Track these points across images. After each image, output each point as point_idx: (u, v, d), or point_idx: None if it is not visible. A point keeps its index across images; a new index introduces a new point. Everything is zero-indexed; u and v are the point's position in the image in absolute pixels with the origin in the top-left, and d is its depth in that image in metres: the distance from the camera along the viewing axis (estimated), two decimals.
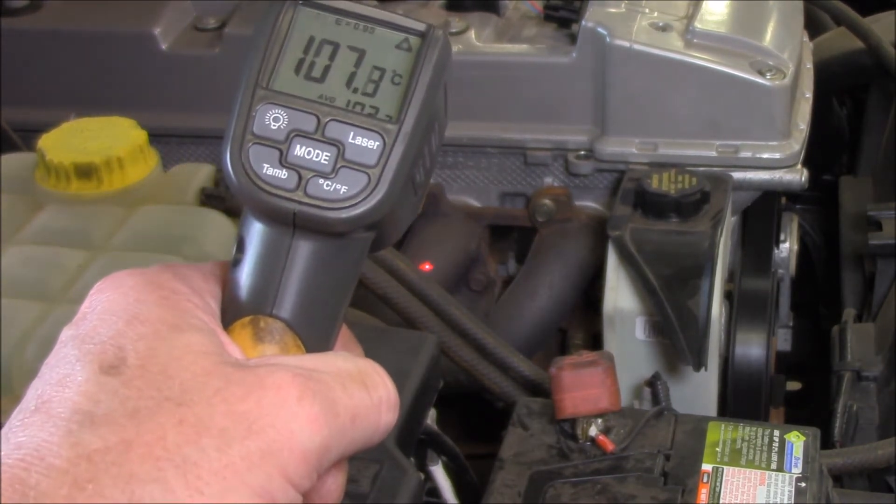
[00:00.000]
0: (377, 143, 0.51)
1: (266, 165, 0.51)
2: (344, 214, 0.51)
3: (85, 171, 1.22)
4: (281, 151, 0.51)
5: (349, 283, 0.55)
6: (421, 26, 0.53)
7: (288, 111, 0.52)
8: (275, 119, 0.52)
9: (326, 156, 0.51)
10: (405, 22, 0.54)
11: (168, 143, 1.49)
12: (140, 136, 1.25)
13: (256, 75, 0.52)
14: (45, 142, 1.24)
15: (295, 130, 0.51)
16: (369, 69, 0.53)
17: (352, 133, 0.52)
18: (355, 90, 0.52)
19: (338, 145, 0.51)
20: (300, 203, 0.51)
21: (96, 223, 1.18)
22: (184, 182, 1.26)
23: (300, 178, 0.51)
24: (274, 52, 0.52)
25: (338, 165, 0.51)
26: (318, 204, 0.51)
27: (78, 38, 1.52)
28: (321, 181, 0.51)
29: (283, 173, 0.51)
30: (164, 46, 1.51)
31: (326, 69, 0.53)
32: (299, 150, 0.51)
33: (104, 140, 1.24)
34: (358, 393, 0.51)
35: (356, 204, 0.51)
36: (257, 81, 0.52)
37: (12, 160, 1.31)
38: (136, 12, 1.53)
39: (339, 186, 0.51)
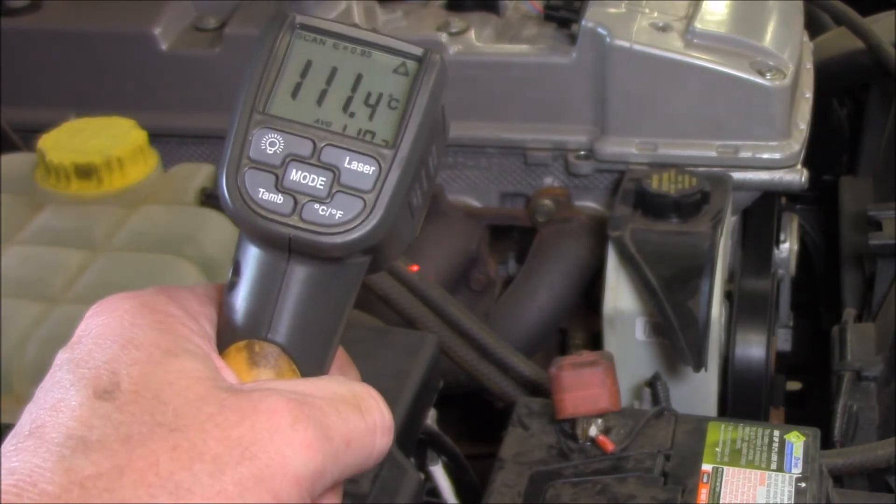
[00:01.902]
0: (373, 168, 0.51)
1: (262, 190, 0.51)
2: (339, 240, 0.51)
3: (85, 171, 1.22)
4: (277, 176, 0.51)
5: (345, 307, 0.55)
6: (418, 51, 0.53)
7: (284, 136, 0.51)
8: (271, 143, 0.51)
9: (322, 181, 0.51)
10: (402, 46, 0.53)
11: (168, 143, 1.49)
12: (140, 136, 1.25)
13: (253, 99, 0.52)
14: (45, 142, 1.24)
15: (291, 155, 0.51)
16: (366, 94, 0.53)
17: (347, 158, 0.51)
18: (352, 115, 0.52)
19: (333, 170, 0.51)
20: (295, 228, 0.51)
21: (96, 223, 1.18)
22: (184, 182, 1.26)
23: (296, 202, 0.51)
24: (271, 75, 0.52)
25: (333, 190, 0.51)
26: (313, 229, 0.51)
27: (78, 38, 1.52)
28: (316, 206, 0.51)
29: (278, 198, 0.51)
30: (164, 46, 1.51)
31: (323, 93, 0.52)
32: (295, 175, 0.51)
33: (104, 140, 1.24)
34: (352, 417, 0.51)
35: (351, 229, 0.51)
36: (254, 105, 0.52)
37: (12, 160, 1.31)
38: (136, 12, 1.53)
39: (334, 211, 0.51)
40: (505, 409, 1.18)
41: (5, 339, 1.02)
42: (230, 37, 1.48)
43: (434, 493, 1.09)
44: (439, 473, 1.09)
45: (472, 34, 1.47)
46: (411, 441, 1.01)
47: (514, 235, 1.52)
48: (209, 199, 1.24)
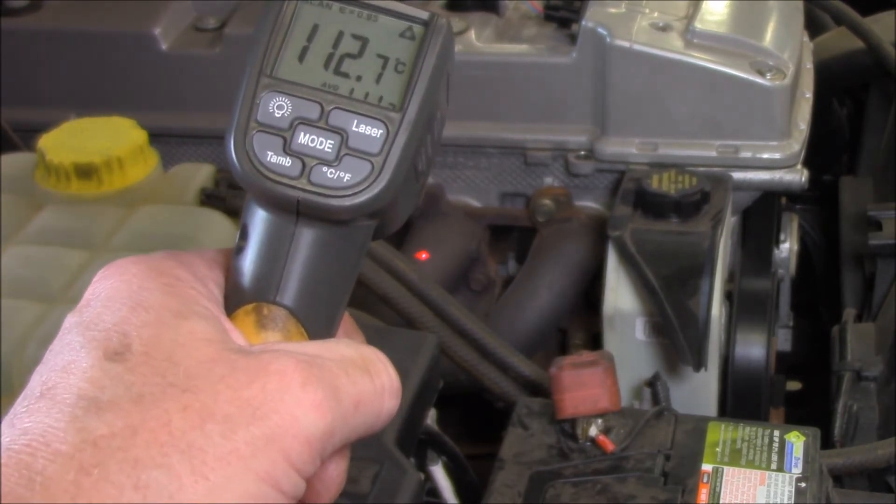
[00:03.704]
0: (380, 131, 0.52)
1: (270, 153, 0.51)
2: (347, 202, 0.51)
3: (85, 171, 1.22)
4: (285, 139, 0.51)
5: (352, 270, 0.55)
6: (424, 15, 0.53)
7: (292, 99, 0.52)
8: (279, 107, 0.52)
9: (330, 144, 0.51)
10: (409, 10, 0.54)
11: (168, 143, 1.49)
12: (140, 136, 1.25)
13: (260, 63, 0.52)
14: (45, 142, 1.24)
15: (299, 118, 0.52)
16: (372, 57, 0.53)
17: (355, 121, 0.52)
18: (358, 78, 0.52)
19: (341, 133, 0.52)
20: (304, 191, 0.51)
21: (96, 223, 1.18)
22: (184, 182, 1.26)
23: (304, 165, 0.51)
24: (278, 39, 0.52)
25: (341, 153, 0.51)
26: (321, 192, 0.51)
27: (78, 38, 1.52)
28: (325, 169, 0.51)
29: (286, 161, 0.51)
30: (164, 46, 1.51)
31: (330, 57, 0.53)
32: (303, 138, 0.51)
33: (104, 140, 1.24)
34: (361, 379, 0.51)
35: (359, 192, 0.51)
36: (261, 69, 0.52)
37: (12, 160, 1.31)
38: (136, 12, 1.53)
39: (342, 174, 0.51)
40: (505, 409, 1.18)
41: (5, 339, 1.02)
42: (230, 37, 1.48)
43: (434, 493, 1.09)
44: (439, 473, 1.09)
45: (472, 34, 1.47)
46: (411, 441, 1.01)
47: (514, 235, 1.52)
48: (209, 199, 1.24)
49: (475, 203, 1.50)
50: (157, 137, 1.31)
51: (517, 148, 1.46)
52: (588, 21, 1.39)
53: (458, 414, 1.31)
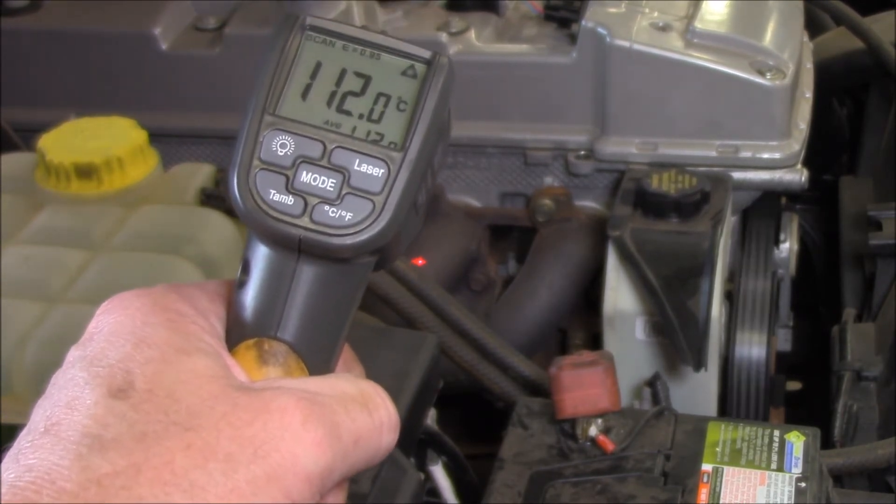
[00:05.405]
0: (382, 170, 0.52)
1: (273, 191, 0.52)
2: (349, 241, 0.52)
3: (85, 171, 1.22)
4: (287, 177, 0.52)
5: (351, 305, 0.56)
6: (426, 53, 0.54)
7: (294, 137, 0.52)
8: (282, 145, 0.52)
9: (332, 182, 0.52)
10: (411, 49, 0.54)
11: (168, 143, 1.49)
12: (140, 136, 1.25)
13: (264, 101, 0.52)
14: (45, 142, 1.24)
15: (301, 157, 0.52)
16: (375, 95, 0.53)
17: (357, 160, 0.52)
18: (361, 116, 0.53)
19: (343, 172, 0.52)
20: (306, 229, 0.52)
21: (96, 223, 1.18)
22: (184, 182, 1.26)
23: (306, 204, 0.52)
24: (281, 77, 0.53)
25: (343, 192, 0.52)
26: (323, 230, 0.52)
27: (78, 38, 1.52)
28: (327, 208, 0.52)
29: (289, 199, 0.52)
30: (164, 46, 1.51)
31: (332, 95, 0.53)
32: (305, 177, 0.52)
33: (104, 140, 1.24)
34: (360, 415, 0.52)
35: (361, 231, 0.52)
36: (265, 107, 0.52)
37: (12, 160, 1.31)
38: (136, 12, 1.53)
39: (344, 213, 0.52)
40: (505, 409, 1.18)
41: (5, 339, 1.02)
42: (230, 37, 1.48)
43: (434, 493, 1.09)
44: (439, 473, 1.09)
45: (472, 34, 1.47)
46: (411, 441, 1.01)
47: (514, 235, 1.52)
48: (209, 199, 1.24)
49: (475, 203, 1.50)
50: (157, 137, 1.31)
51: (517, 148, 1.46)
52: (588, 21, 1.39)
53: (458, 414, 1.31)
